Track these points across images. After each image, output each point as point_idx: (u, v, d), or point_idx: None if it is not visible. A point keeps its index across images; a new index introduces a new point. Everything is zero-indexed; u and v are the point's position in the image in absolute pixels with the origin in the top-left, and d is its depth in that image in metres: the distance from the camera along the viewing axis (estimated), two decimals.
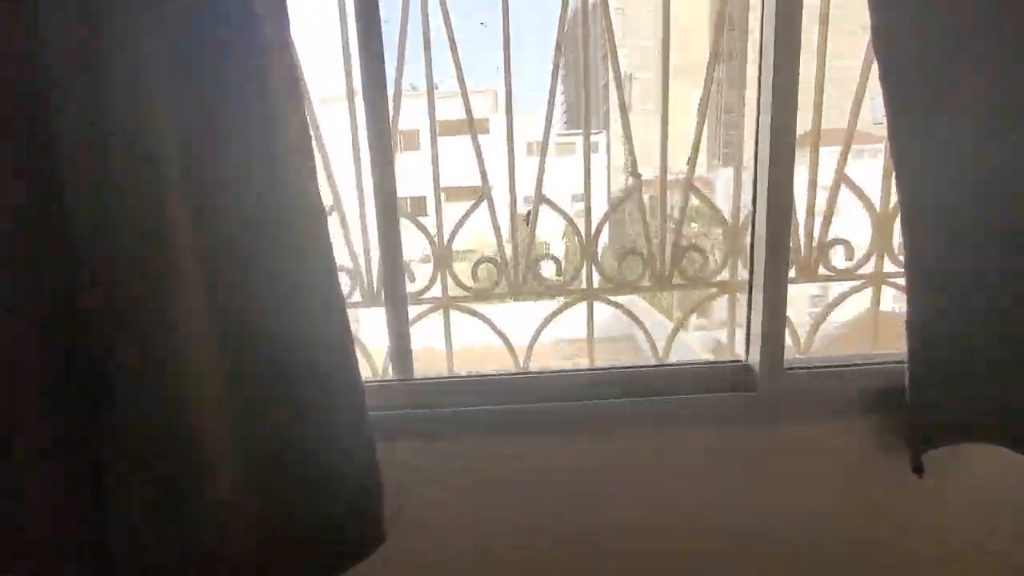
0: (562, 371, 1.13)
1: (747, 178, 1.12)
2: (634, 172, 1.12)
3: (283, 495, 0.97)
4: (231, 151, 0.80)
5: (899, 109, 0.89)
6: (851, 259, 1.23)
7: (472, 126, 1.11)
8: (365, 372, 1.17)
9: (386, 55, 1.00)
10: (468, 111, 1.11)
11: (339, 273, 1.18)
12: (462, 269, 1.19)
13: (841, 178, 1.15)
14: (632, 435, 1.11)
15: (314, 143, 1.02)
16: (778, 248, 1.04)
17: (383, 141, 1.01)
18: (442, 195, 1.15)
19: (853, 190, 1.16)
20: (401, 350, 1.10)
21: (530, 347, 1.17)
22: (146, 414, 0.81)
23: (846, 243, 1.21)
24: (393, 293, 1.07)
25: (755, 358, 1.11)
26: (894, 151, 0.91)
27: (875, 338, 1.27)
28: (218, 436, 0.88)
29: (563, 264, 1.21)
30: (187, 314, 0.81)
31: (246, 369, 0.89)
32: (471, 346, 1.20)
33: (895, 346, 1.11)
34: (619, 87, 1.16)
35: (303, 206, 0.85)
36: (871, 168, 1.17)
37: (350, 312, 1.15)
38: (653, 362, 1.22)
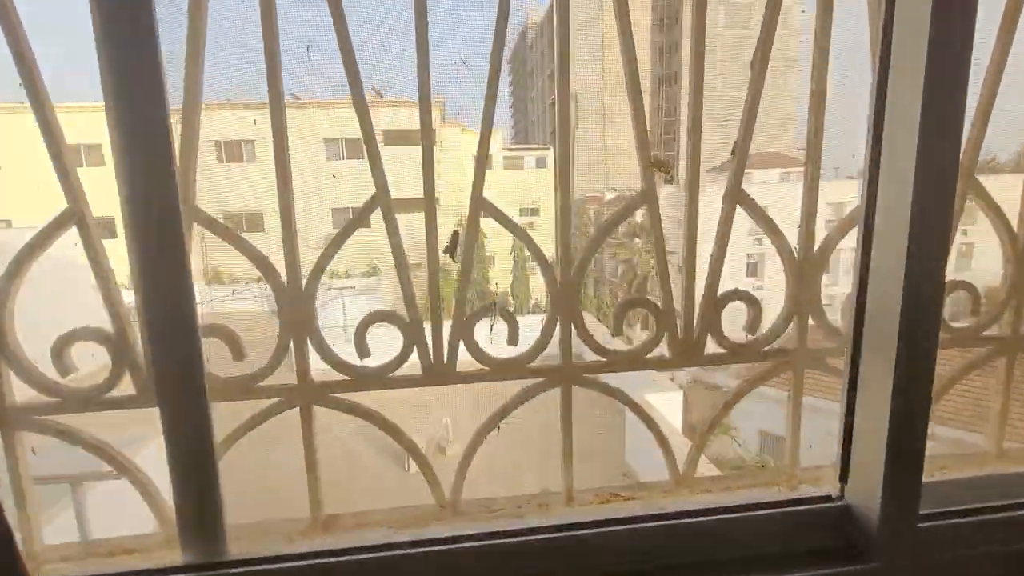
0: (526, 529, 0.60)
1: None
2: (655, 164, 0.63)
3: None
4: None
5: None
6: (975, 314, 0.78)
7: (372, 135, 0.64)
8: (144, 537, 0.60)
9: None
10: (367, 119, 0.63)
11: (92, 338, 0.64)
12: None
13: (969, 186, 0.71)
14: None
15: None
16: (923, 311, 0.56)
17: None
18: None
19: (989, 208, 0.73)
20: (200, 501, 0.55)
21: (459, 477, 0.64)
22: None
23: (971, 288, 0.76)
24: (178, 383, 0.52)
25: (860, 498, 0.62)
26: None
27: (999, 449, 0.81)
28: None
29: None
30: None
31: None
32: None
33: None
34: (628, 58, 0.68)
35: None
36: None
37: (116, 416, 0.60)
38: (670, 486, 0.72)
